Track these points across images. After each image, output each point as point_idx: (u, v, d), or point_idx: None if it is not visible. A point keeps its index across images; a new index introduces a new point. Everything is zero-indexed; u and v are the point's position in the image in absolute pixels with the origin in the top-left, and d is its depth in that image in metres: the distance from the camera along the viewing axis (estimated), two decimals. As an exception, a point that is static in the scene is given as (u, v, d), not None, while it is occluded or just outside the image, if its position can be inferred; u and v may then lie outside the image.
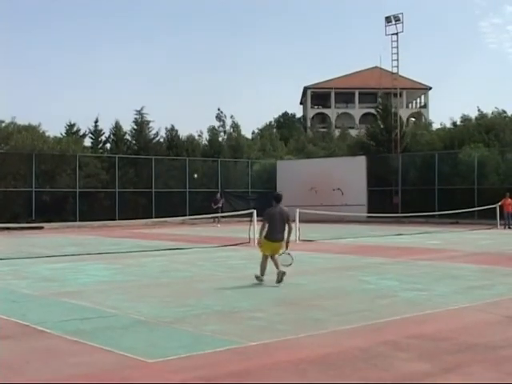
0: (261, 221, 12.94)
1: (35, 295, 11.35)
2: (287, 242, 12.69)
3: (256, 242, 12.94)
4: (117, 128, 46.73)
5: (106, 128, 48.65)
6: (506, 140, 41.78)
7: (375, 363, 6.71)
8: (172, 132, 48.85)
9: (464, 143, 41.80)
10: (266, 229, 12.56)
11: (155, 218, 37.24)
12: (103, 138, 47.91)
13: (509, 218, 32.17)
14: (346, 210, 37.03)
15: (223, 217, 35.46)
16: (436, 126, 55.71)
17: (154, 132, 47.88)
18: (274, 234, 12.55)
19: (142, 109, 47.61)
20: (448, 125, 50.15)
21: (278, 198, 12.83)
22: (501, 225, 31.89)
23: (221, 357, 7.00)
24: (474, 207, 35.29)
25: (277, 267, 12.51)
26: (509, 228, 31.62)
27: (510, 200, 32.24)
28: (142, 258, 18.23)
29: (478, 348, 7.38)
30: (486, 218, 33.95)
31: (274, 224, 12.51)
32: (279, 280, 12.26)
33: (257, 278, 12.55)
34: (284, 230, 12.68)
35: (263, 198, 36.65)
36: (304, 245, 22.18)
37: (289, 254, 12.64)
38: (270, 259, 12.76)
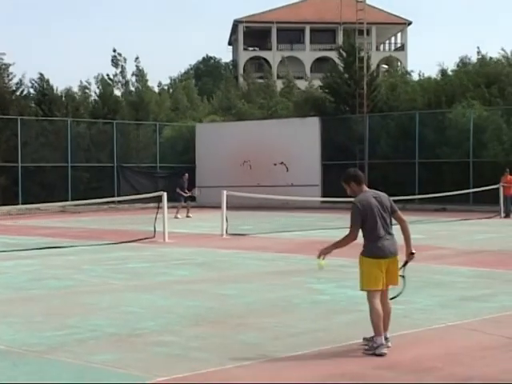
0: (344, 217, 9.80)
1: None
2: (410, 253, 9.58)
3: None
4: None
5: None
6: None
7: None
8: (41, 83, 47.52)
9: (455, 100, 42.17)
10: (354, 233, 8.99)
11: (22, 204, 36.77)
12: None
13: (507, 204, 32.72)
14: (293, 192, 37.17)
15: (119, 202, 35.15)
16: (417, 76, 56.33)
17: (15, 81, 46.36)
18: (383, 241, 9.10)
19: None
20: (434, 74, 50.77)
21: (361, 179, 9.26)
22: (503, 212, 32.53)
23: (115, 399, 6.96)
24: (469, 188, 35.95)
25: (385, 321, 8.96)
26: (506, 216, 32.27)
27: (510, 177, 32.56)
28: (1, 261, 17.96)
29: (471, 383, 7.50)
30: (485, 202, 34.68)
31: (376, 222, 9.04)
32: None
33: (378, 348, 8.60)
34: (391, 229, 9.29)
35: (177, 176, 36.47)
36: (234, 240, 22.19)
37: (403, 276, 9.37)
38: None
